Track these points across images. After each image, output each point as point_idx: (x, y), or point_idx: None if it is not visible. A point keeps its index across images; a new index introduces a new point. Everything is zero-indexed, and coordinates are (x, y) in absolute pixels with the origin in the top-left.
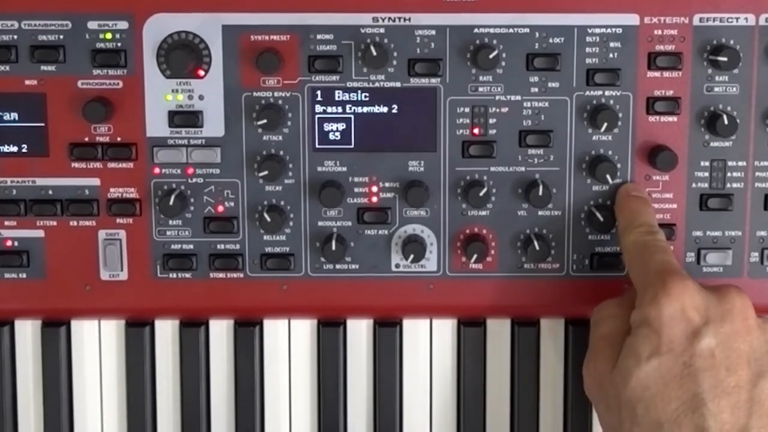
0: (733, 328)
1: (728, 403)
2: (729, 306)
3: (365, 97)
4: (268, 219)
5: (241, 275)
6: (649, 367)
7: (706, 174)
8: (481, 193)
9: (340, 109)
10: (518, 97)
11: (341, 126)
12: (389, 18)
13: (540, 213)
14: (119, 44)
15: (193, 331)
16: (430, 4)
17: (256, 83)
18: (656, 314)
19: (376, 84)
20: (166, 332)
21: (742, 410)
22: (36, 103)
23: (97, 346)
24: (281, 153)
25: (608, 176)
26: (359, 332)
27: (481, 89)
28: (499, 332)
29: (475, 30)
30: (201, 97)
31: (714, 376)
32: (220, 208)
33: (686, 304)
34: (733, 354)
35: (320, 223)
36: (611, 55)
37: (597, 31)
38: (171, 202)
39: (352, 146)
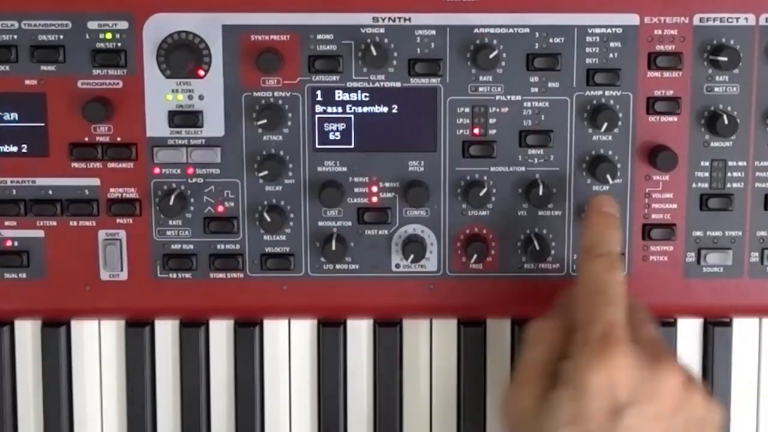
0: (658, 410)
1: None
2: (659, 386)
3: (365, 97)
4: (268, 219)
5: (241, 275)
6: None
7: (706, 174)
8: (481, 193)
9: (340, 109)
10: (518, 97)
11: (341, 126)
12: (389, 18)
13: (540, 213)
14: (119, 44)
15: (193, 331)
16: (430, 4)
17: (256, 83)
18: (583, 383)
19: (376, 84)
20: (166, 332)
21: None
22: (36, 103)
23: (97, 346)
24: (281, 153)
25: (608, 176)
26: (359, 332)
27: (481, 89)
28: (499, 332)
29: (475, 30)
30: (201, 97)
31: None
32: (220, 208)
33: (617, 381)
34: None
35: (320, 223)
36: (611, 55)
37: (597, 31)
38: (171, 202)
39: (352, 146)
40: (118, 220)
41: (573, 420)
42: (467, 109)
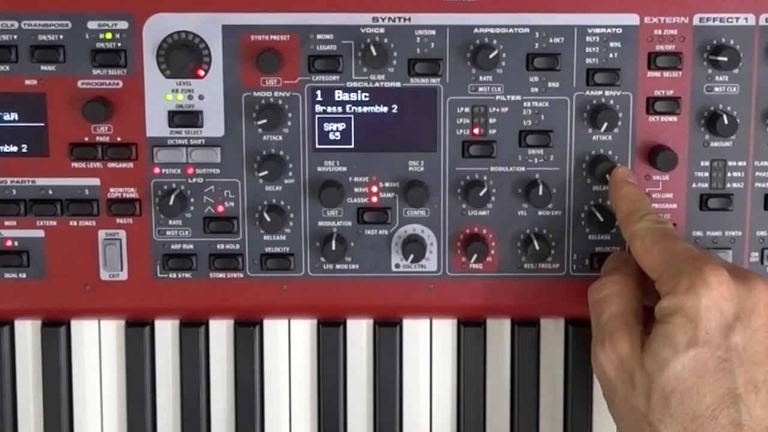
0: (761, 323)
1: (757, 398)
2: (756, 300)
3: (365, 97)
4: (268, 219)
5: (241, 275)
6: (686, 358)
7: (706, 174)
8: (481, 193)
9: (340, 109)
10: (518, 97)
11: (341, 126)
12: (389, 18)
13: (540, 213)
14: (119, 44)
15: (193, 331)
16: (430, 4)
17: (256, 83)
18: (693, 304)
19: (376, 84)
20: (166, 332)
21: None
22: (36, 103)
23: (97, 346)
24: (281, 153)
25: (608, 176)
26: (359, 332)
27: (481, 89)
28: (499, 332)
29: (475, 30)
30: (201, 97)
31: (746, 371)
32: (220, 208)
33: (722, 296)
34: (761, 348)
35: (320, 223)
36: (611, 55)
37: (597, 31)
38: (171, 202)
39: (352, 146)
40: (118, 220)
41: (692, 341)
42: (467, 109)
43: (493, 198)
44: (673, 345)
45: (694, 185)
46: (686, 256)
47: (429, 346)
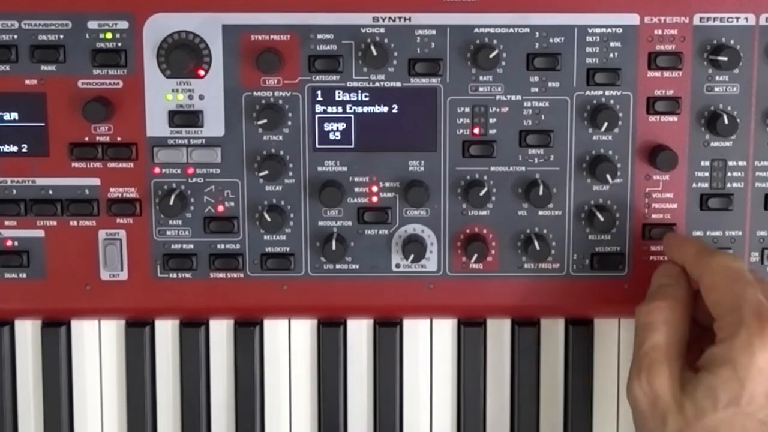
0: None
1: None
2: None
3: (365, 97)
4: (268, 219)
5: (241, 275)
6: (725, 415)
7: (707, 174)
8: (481, 193)
9: (340, 109)
10: (518, 97)
11: (341, 126)
12: (389, 18)
13: (540, 213)
14: (119, 44)
15: (193, 331)
16: (430, 4)
17: (256, 83)
18: (746, 362)
19: (377, 84)
20: (166, 332)
21: None
22: (36, 103)
23: (97, 346)
24: (281, 153)
25: (608, 176)
26: (359, 332)
27: (481, 89)
28: (499, 332)
29: (475, 30)
30: (201, 97)
31: None
32: (220, 208)
33: None
34: None
35: (320, 223)
36: (611, 55)
37: (597, 31)
38: (171, 202)
39: (352, 146)
40: (118, 220)
41: (734, 401)
42: (467, 109)
43: (493, 198)
44: (714, 398)
45: (694, 185)
46: (754, 308)
47: (429, 346)
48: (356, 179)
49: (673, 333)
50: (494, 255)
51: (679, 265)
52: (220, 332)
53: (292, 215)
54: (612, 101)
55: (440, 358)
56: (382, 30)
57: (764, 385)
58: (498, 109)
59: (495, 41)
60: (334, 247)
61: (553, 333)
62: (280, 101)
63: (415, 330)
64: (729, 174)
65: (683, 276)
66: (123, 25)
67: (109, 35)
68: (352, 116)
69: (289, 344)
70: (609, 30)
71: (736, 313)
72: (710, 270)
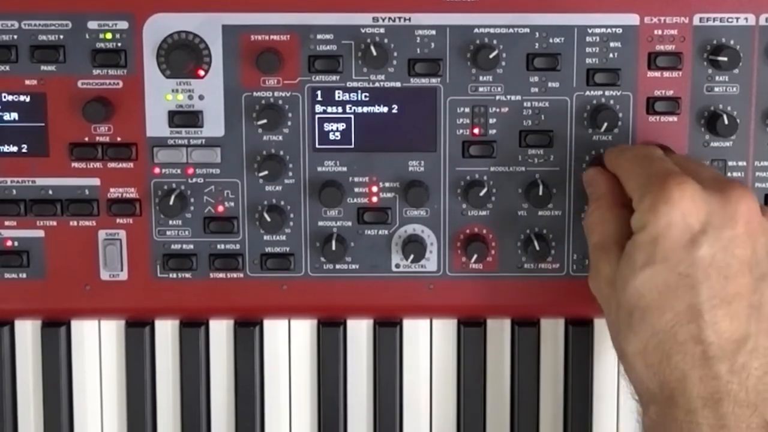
0: (734, 233)
1: (726, 313)
2: (731, 209)
3: (365, 97)
4: (268, 219)
5: (241, 275)
6: (643, 276)
7: None
8: (481, 193)
9: (340, 109)
10: (518, 97)
11: (341, 126)
12: (389, 18)
13: (540, 213)
14: (119, 44)
15: (193, 331)
16: (430, 4)
17: (256, 83)
18: (653, 221)
19: (376, 84)
20: (166, 332)
21: (742, 317)
22: (36, 103)
23: (97, 346)
24: (281, 153)
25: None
26: (359, 332)
27: (481, 89)
28: (499, 332)
29: (475, 30)
30: (201, 97)
31: (712, 286)
32: (220, 208)
33: (685, 211)
34: (734, 261)
35: (320, 223)
36: (611, 55)
37: (597, 31)
38: (171, 202)
39: (352, 146)
40: (118, 220)
41: (650, 259)
42: (467, 109)
43: (493, 198)
44: (631, 263)
45: None
46: (657, 173)
47: (429, 346)
48: (356, 179)
49: (605, 227)
50: (494, 255)
51: (594, 167)
52: (220, 332)
53: (292, 215)
54: (612, 101)
55: (440, 358)
56: (382, 30)
57: (677, 237)
58: (498, 109)
59: (495, 41)
60: (334, 247)
61: (553, 333)
62: (280, 101)
63: (415, 330)
64: (729, 174)
65: (598, 173)
66: (123, 25)
67: (109, 35)
68: (352, 116)
69: (289, 344)
70: (609, 30)
71: (644, 183)
72: (624, 161)
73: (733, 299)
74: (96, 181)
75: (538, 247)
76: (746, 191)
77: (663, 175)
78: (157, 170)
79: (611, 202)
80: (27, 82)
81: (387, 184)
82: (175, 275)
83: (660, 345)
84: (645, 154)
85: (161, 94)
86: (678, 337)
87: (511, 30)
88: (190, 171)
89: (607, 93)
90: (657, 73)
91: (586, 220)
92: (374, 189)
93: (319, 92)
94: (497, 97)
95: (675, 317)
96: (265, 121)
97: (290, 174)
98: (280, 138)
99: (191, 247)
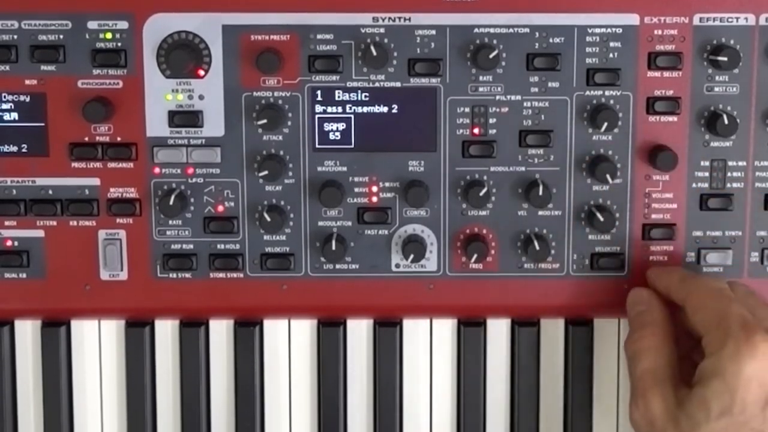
0: None
1: None
2: None
3: (365, 97)
4: (268, 219)
5: (241, 275)
6: (719, 425)
7: (706, 174)
8: (481, 193)
9: (340, 109)
10: (518, 97)
11: (341, 126)
12: (389, 18)
13: (540, 213)
14: (119, 44)
15: (193, 331)
16: (430, 4)
17: (256, 83)
18: (735, 371)
19: (376, 84)
20: (166, 332)
21: None
22: (36, 103)
23: (97, 346)
24: (281, 153)
25: (608, 176)
26: (359, 332)
27: (481, 89)
28: (499, 332)
29: (475, 30)
30: (201, 97)
31: None
32: (220, 208)
33: (766, 369)
34: None
35: (320, 223)
36: (611, 55)
37: (597, 31)
38: (171, 202)
39: (352, 146)
40: (118, 220)
41: (726, 411)
42: (467, 109)
43: (493, 198)
44: (706, 410)
45: (694, 185)
46: (739, 320)
47: (429, 346)
48: (356, 179)
49: (658, 356)
50: (494, 255)
51: (647, 289)
52: (220, 332)
53: (292, 215)
54: (612, 101)
55: (440, 358)
56: (382, 30)
57: (754, 393)
58: (498, 109)
59: (495, 41)
60: (334, 247)
61: (553, 333)
62: (280, 101)
63: (415, 330)
64: (729, 174)
65: (654, 298)
66: (123, 25)
67: (109, 35)
68: (352, 116)
69: (289, 344)
70: (609, 30)
71: (722, 327)
72: (695, 291)
73: None
74: (96, 181)
75: (538, 247)
76: None
77: (747, 326)
78: (157, 170)
79: (667, 333)
80: (27, 82)
81: (387, 184)
82: (175, 275)
83: None
84: (718, 288)
85: (161, 94)
86: None
87: (511, 30)
88: (190, 171)
89: (607, 93)
90: (657, 73)
91: (636, 343)
92: (374, 189)
93: (319, 92)
94: (497, 97)
95: None
96: (265, 121)
97: (290, 174)
98: (280, 138)
99: (191, 247)
